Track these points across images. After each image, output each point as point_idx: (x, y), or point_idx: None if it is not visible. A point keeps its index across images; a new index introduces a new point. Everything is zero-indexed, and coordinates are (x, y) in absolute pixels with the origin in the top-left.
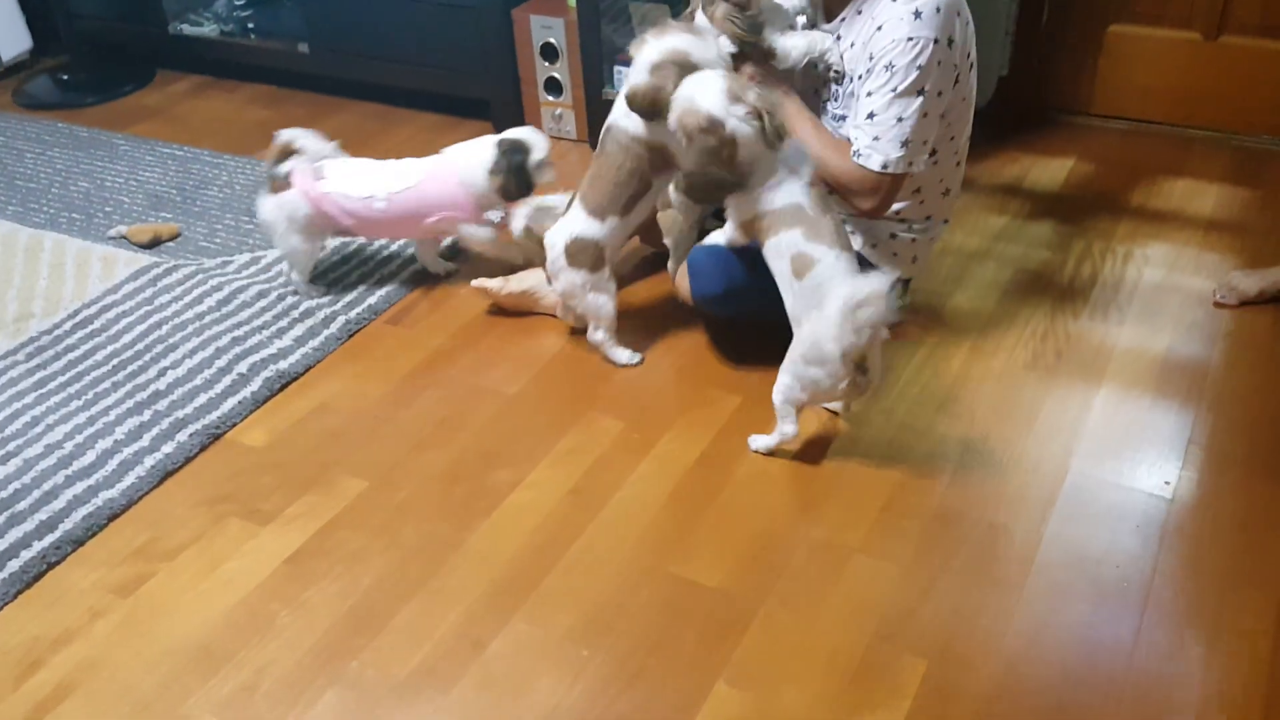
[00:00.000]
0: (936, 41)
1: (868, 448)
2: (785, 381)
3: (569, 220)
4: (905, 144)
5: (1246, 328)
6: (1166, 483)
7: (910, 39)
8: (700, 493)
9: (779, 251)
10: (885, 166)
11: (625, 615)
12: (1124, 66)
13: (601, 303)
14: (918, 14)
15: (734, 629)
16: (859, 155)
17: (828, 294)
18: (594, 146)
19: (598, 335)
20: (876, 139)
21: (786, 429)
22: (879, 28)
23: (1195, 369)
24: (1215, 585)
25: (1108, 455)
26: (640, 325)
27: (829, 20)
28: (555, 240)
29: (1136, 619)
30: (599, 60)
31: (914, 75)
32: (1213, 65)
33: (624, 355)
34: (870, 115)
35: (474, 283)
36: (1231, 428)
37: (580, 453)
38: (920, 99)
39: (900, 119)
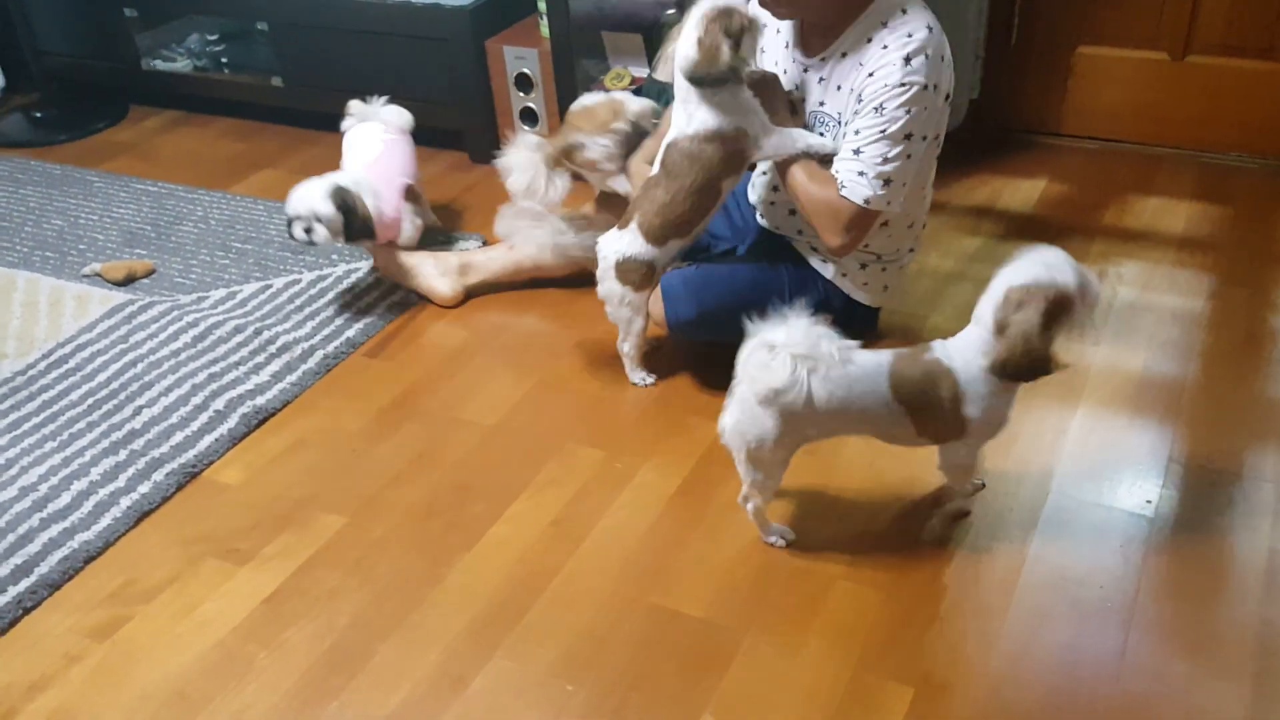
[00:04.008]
0: (925, 88)
1: (847, 472)
2: None
3: (625, 240)
4: (888, 183)
5: (1221, 343)
6: (1148, 501)
7: (902, 84)
8: (681, 522)
9: None
10: (867, 202)
11: (608, 648)
12: (1093, 87)
13: (634, 319)
14: (908, 60)
15: (718, 660)
16: (843, 187)
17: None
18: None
19: (624, 347)
20: (861, 174)
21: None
22: (870, 74)
23: (1172, 386)
24: (1199, 603)
25: (1088, 475)
26: (616, 352)
27: (807, 56)
28: (607, 253)
29: (1121, 640)
30: (574, 90)
31: (903, 119)
32: (1180, 84)
33: (638, 376)
34: (856, 151)
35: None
36: (1210, 444)
37: (560, 484)
38: (907, 143)
39: (886, 158)
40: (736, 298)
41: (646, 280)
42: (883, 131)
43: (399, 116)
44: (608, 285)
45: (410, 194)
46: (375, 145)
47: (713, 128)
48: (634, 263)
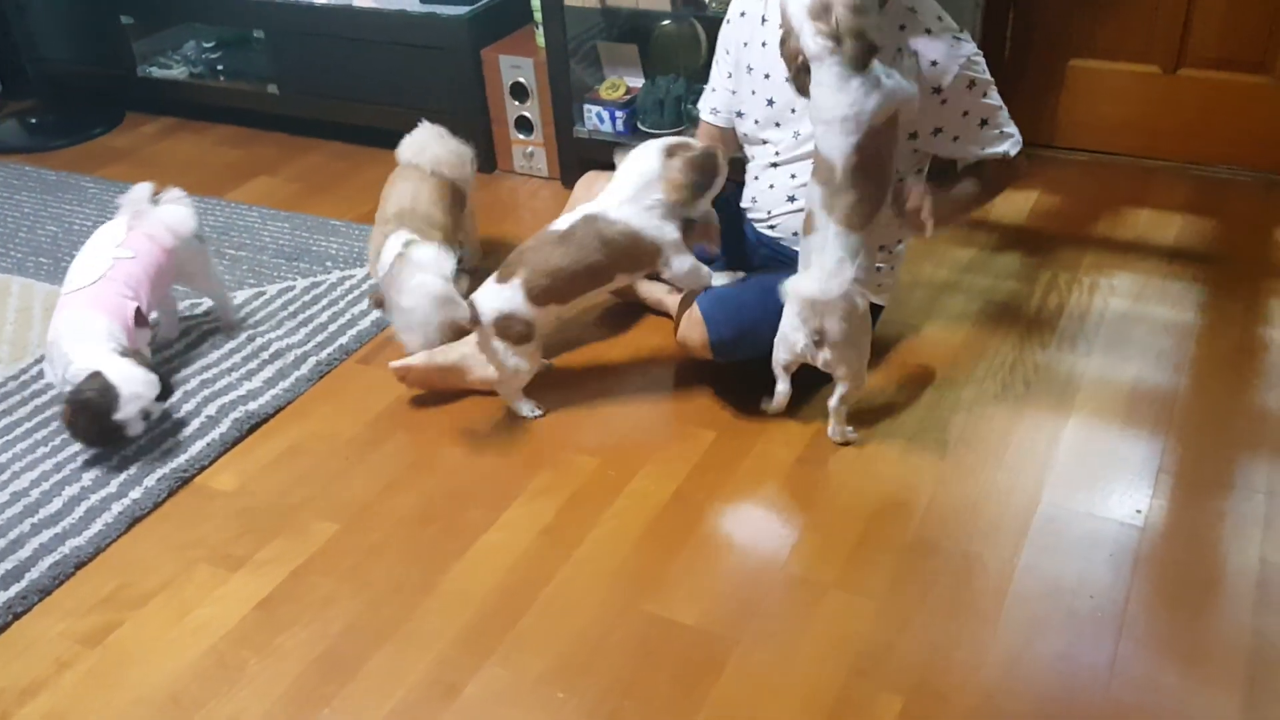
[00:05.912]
0: (978, 48)
1: (840, 482)
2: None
3: (505, 294)
4: (1012, 124)
5: (1212, 354)
6: (1138, 511)
7: (966, 58)
8: (675, 529)
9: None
10: (1019, 145)
11: (601, 656)
12: (1085, 100)
13: (521, 368)
14: (957, 37)
15: (710, 668)
16: (1006, 153)
17: (810, 265)
18: (565, 184)
19: (503, 390)
20: (1002, 133)
21: (780, 386)
22: (933, 63)
23: (1163, 397)
24: (1190, 613)
25: (1079, 485)
26: (612, 359)
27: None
28: (485, 307)
29: (1112, 649)
30: (569, 99)
31: (988, 78)
32: (1172, 98)
33: (526, 408)
34: (983, 122)
35: (391, 364)
36: (1200, 454)
37: (553, 491)
38: (997, 94)
39: (1002, 108)
40: (770, 313)
41: (526, 337)
42: (985, 95)
43: (174, 221)
44: (486, 344)
45: (139, 319)
46: (97, 267)
47: (635, 228)
48: (514, 319)
